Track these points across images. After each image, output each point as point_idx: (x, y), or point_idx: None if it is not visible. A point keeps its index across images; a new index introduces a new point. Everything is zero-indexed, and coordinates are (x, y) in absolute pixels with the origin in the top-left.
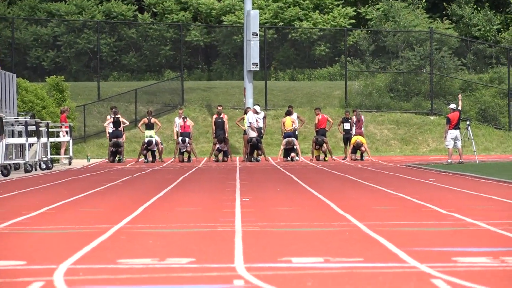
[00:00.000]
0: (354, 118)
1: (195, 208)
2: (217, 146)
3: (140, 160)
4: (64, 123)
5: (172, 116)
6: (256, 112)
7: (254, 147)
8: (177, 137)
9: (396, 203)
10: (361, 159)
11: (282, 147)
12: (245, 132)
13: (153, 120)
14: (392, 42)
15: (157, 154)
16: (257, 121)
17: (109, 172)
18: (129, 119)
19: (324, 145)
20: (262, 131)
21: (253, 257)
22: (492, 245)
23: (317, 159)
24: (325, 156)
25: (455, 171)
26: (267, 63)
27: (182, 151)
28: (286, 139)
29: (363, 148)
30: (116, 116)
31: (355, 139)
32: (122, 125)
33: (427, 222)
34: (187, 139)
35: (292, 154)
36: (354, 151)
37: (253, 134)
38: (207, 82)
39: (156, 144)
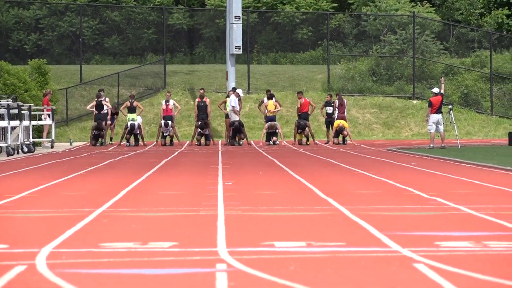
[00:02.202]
0: (337, 102)
1: (178, 192)
2: (199, 130)
3: (122, 143)
4: (46, 106)
5: (154, 100)
6: (238, 96)
7: (236, 131)
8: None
9: (378, 187)
10: (344, 143)
11: (264, 131)
12: (227, 116)
13: (135, 103)
14: (374, 26)
15: (139, 137)
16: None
17: (91, 155)
18: (111, 102)
19: (306, 128)
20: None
21: (235, 241)
22: (474, 230)
23: (300, 143)
24: (307, 140)
25: (437, 155)
26: (249, 46)
27: (164, 134)
28: (269, 122)
29: (345, 132)
30: (99, 100)
31: (337, 123)
32: (107, 109)
33: (409, 206)
34: (169, 122)
35: (274, 138)
36: (336, 135)
37: (235, 117)
38: (189, 65)
39: (139, 127)
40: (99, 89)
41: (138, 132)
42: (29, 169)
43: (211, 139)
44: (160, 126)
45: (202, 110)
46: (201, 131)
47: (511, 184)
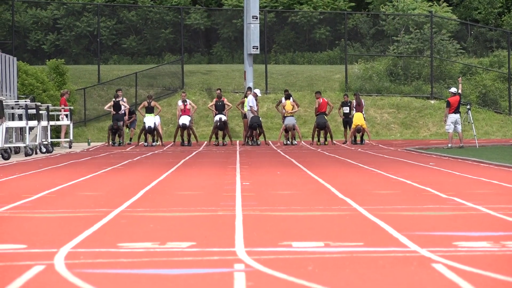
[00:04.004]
0: (354, 102)
1: (196, 192)
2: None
3: (140, 143)
4: (64, 107)
5: (172, 100)
6: (255, 96)
7: (253, 129)
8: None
9: (397, 187)
10: (361, 142)
11: (282, 131)
12: (245, 116)
13: (153, 103)
14: (391, 25)
15: (158, 138)
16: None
17: (109, 155)
18: (129, 102)
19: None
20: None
21: (253, 241)
22: (493, 230)
23: (318, 142)
24: (325, 140)
25: (455, 155)
26: (267, 46)
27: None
28: (287, 123)
29: (363, 130)
30: (117, 100)
31: (356, 122)
32: (124, 109)
33: (427, 207)
34: (187, 123)
35: (294, 141)
36: (354, 135)
37: (253, 116)
38: (207, 65)
39: (155, 128)
40: (117, 89)
41: (156, 133)
42: (47, 169)
43: (230, 139)
44: (179, 126)
45: (219, 110)
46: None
47: None
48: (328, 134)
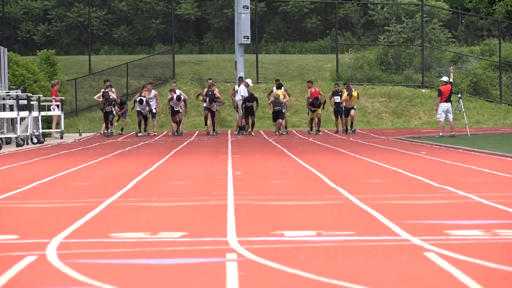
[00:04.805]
0: (345, 91)
1: (188, 182)
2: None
3: (140, 135)
4: (55, 97)
5: (163, 90)
6: (247, 85)
7: (248, 111)
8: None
9: (388, 176)
10: (352, 129)
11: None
12: (237, 105)
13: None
14: (381, 15)
15: (151, 116)
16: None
17: (100, 146)
18: (120, 92)
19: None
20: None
21: (245, 231)
22: (485, 218)
23: (311, 131)
24: (318, 129)
25: (446, 144)
26: (258, 36)
27: (175, 109)
28: (273, 100)
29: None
30: (105, 90)
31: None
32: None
33: (419, 195)
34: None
35: (281, 130)
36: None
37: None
38: (198, 55)
39: (148, 103)
40: (105, 80)
41: (149, 109)
42: (39, 159)
43: (217, 106)
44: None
45: (210, 100)
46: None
47: None
48: (317, 122)
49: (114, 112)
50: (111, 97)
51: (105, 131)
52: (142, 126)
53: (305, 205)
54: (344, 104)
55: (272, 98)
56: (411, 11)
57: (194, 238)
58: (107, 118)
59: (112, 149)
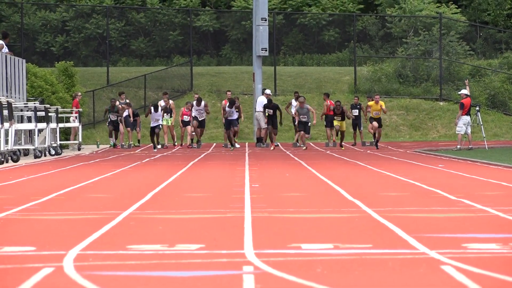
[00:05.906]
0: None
1: (205, 194)
2: (227, 110)
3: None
4: (75, 109)
5: (181, 102)
6: (267, 96)
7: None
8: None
9: (406, 189)
10: (376, 145)
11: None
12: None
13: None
14: (399, 28)
15: (166, 139)
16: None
17: (118, 157)
18: (138, 104)
19: (337, 127)
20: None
21: (262, 243)
22: (502, 232)
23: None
24: (341, 144)
25: (464, 157)
26: (276, 48)
27: (199, 119)
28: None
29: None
30: (114, 99)
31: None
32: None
33: (436, 208)
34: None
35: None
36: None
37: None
38: (216, 67)
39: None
40: (119, 92)
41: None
42: (56, 171)
43: (239, 120)
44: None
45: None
46: (229, 111)
47: None
48: (340, 136)
49: (119, 121)
50: (117, 103)
51: (122, 143)
52: (155, 139)
53: (322, 218)
54: (371, 113)
55: (297, 105)
56: (429, 23)
57: (211, 251)
58: (113, 126)
59: (129, 161)
